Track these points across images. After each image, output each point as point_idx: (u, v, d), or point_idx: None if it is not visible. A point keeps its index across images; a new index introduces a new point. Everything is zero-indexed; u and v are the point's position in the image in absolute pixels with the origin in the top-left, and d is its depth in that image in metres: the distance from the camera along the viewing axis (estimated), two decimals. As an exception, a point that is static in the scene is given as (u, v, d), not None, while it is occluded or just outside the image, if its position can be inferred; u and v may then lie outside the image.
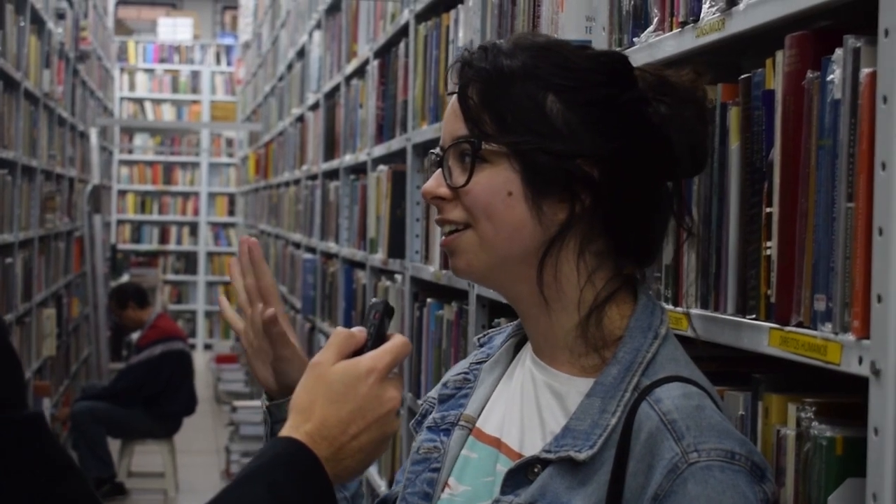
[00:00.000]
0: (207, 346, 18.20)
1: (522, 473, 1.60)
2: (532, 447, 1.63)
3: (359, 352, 1.60)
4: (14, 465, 1.70)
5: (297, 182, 9.34)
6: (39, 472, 1.72)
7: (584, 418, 1.59)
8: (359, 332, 1.62)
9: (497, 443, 1.69)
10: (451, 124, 1.68)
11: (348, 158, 6.40)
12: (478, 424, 1.74)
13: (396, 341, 1.61)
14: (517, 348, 1.78)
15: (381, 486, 4.93)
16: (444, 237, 1.69)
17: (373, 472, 5.21)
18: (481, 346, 1.85)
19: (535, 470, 1.59)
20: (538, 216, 1.62)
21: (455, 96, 1.68)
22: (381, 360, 1.58)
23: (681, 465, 1.51)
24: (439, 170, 1.69)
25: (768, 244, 1.80)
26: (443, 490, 1.72)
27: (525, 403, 1.68)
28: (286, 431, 1.55)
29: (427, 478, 1.74)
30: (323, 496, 1.53)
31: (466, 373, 1.80)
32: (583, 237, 1.64)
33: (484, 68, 1.66)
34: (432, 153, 1.73)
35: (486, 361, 1.80)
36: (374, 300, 1.67)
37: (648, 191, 1.66)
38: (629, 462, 1.54)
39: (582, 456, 1.56)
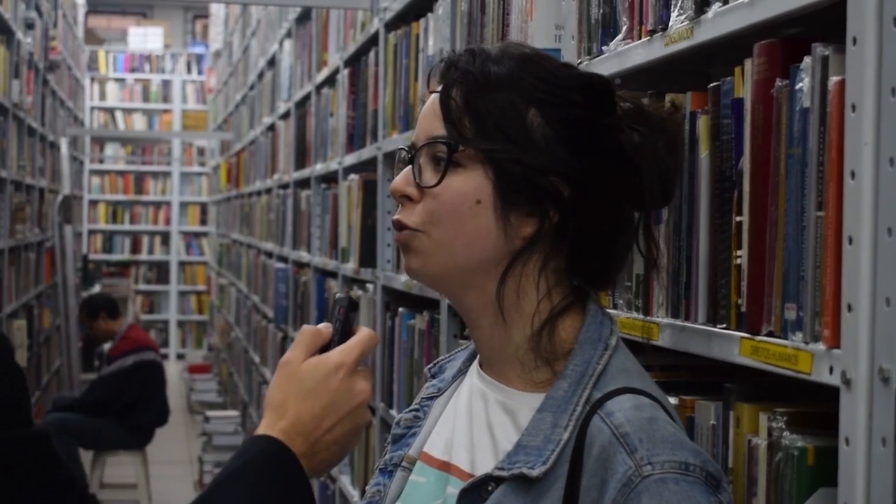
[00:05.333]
0: (180, 356, 18.15)
1: (476, 492, 1.59)
2: (484, 467, 1.61)
3: (326, 347, 1.62)
4: (24, 481, 1.71)
5: (268, 191, 9.32)
6: (46, 489, 1.73)
7: (537, 434, 1.58)
8: (325, 328, 1.64)
9: (446, 466, 1.68)
10: (428, 123, 1.66)
11: (319, 167, 6.39)
12: (425, 449, 1.73)
13: (363, 335, 1.63)
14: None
15: (354, 496, 4.91)
16: (397, 233, 1.68)
17: (346, 482, 5.20)
18: (433, 376, 1.84)
19: (489, 488, 1.57)
20: (504, 227, 1.61)
21: (434, 95, 1.66)
22: (349, 355, 1.60)
23: (634, 478, 1.49)
24: (409, 167, 1.67)
25: (738, 253, 1.79)
26: None
27: (475, 423, 1.67)
28: (262, 430, 1.58)
29: None
30: (301, 492, 1.56)
31: (417, 410, 1.80)
32: (546, 254, 1.63)
33: (470, 71, 1.64)
34: (402, 149, 1.71)
35: (437, 396, 1.79)
36: (338, 295, 1.67)
37: (614, 216, 1.66)
38: (582, 477, 1.53)
39: (535, 472, 1.54)
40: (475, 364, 1.73)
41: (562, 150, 1.61)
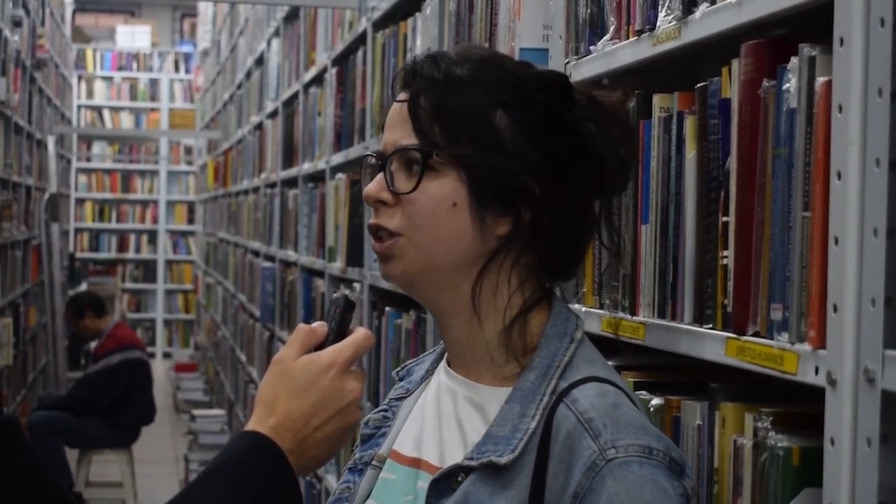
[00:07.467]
0: (167, 355, 18.11)
1: (446, 483, 1.61)
2: (453, 460, 1.63)
3: (321, 346, 1.64)
4: None
5: (255, 190, 9.31)
6: (18, 474, 1.72)
7: (505, 424, 1.60)
8: (320, 327, 1.65)
9: (416, 462, 1.70)
10: (396, 132, 1.68)
11: (307, 166, 6.39)
12: (395, 447, 1.75)
13: (358, 335, 1.65)
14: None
15: (340, 496, 4.90)
16: (376, 242, 1.69)
17: (332, 480, 5.19)
18: (400, 379, 1.86)
19: (459, 479, 1.60)
20: (480, 228, 1.64)
21: (399, 104, 1.68)
22: (342, 354, 1.62)
23: (599, 462, 1.52)
24: (381, 174, 1.68)
25: (725, 253, 1.79)
26: None
27: (444, 419, 1.69)
28: (251, 426, 1.60)
29: None
30: (287, 488, 1.57)
31: (386, 410, 1.82)
32: (519, 251, 1.66)
33: (436, 78, 1.66)
34: (369, 156, 1.73)
35: (405, 397, 1.81)
36: (335, 295, 1.69)
37: (581, 207, 1.69)
38: (549, 463, 1.55)
39: (503, 460, 1.57)
40: (443, 363, 1.75)
41: (529, 148, 1.64)
